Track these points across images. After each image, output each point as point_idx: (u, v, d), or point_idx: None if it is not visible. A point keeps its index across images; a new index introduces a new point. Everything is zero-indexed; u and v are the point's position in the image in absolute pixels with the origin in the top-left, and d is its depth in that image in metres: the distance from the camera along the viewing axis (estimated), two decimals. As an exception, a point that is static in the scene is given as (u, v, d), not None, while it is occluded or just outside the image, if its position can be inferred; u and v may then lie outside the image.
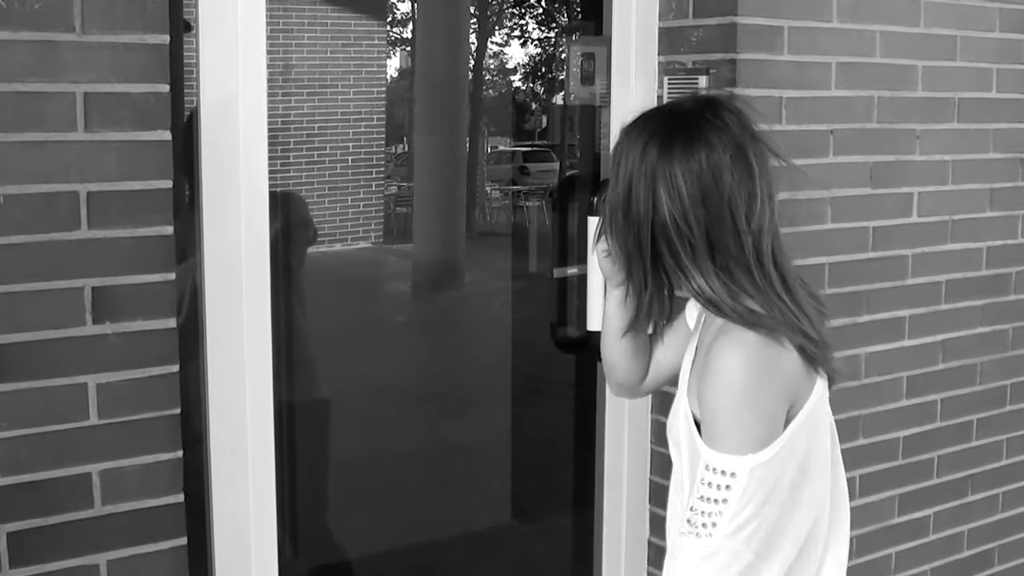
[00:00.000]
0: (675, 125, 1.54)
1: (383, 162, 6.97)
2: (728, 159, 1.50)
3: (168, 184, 1.89)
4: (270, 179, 2.13)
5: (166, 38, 1.87)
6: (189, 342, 2.12)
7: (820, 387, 1.55)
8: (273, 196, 2.19)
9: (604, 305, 1.77)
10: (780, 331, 1.49)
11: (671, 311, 1.67)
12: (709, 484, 1.45)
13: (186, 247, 2.10)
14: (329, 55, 6.42)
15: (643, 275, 1.57)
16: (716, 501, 1.44)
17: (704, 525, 1.44)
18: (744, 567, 1.44)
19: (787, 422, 1.49)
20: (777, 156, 1.58)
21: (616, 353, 1.78)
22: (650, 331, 1.77)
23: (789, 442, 1.48)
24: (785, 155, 1.61)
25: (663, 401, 2.62)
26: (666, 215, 1.50)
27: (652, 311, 1.62)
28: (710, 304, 1.52)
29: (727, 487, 1.43)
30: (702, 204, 1.50)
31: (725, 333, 1.51)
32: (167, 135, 1.88)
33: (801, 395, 1.51)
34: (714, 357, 1.49)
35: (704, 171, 1.50)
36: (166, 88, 1.88)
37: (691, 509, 1.47)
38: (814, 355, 1.51)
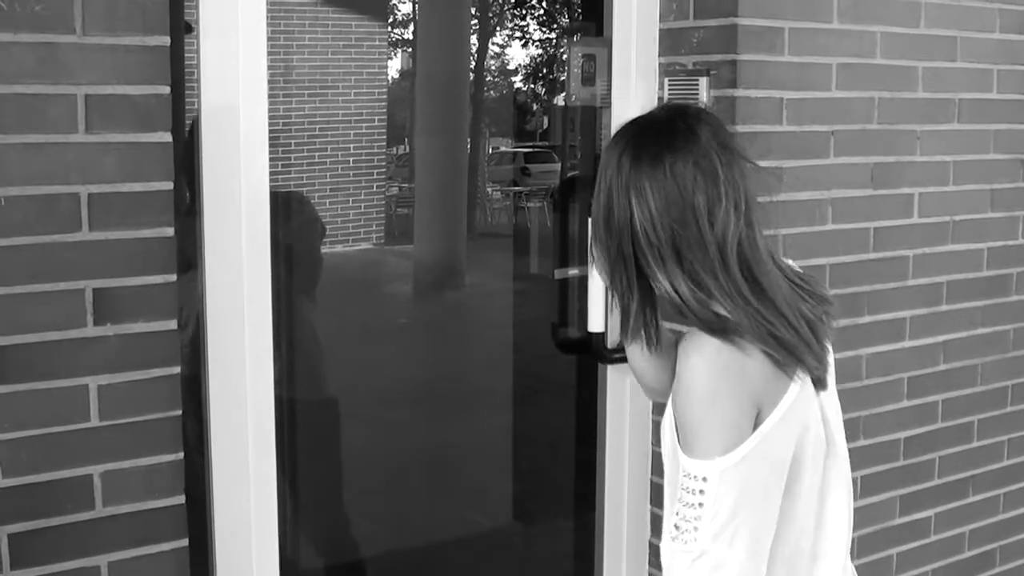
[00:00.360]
0: (646, 135, 1.56)
1: (384, 163, 6.98)
2: (691, 166, 1.52)
3: (169, 186, 1.89)
4: (271, 181, 2.13)
5: (167, 40, 1.87)
6: (193, 346, 2.12)
7: (795, 390, 1.55)
8: (275, 197, 2.19)
9: (616, 314, 1.77)
10: (743, 337, 1.50)
11: (657, 318, 1.67)
12: (688, 490, 1.47)
13: (190, 257, 2.09)
14: (330, 56, 6.42)
15: (627, 284, 1.58)
16: (695, 506, 1.46)
17: (687, 531, 1.46)
18: (738, 570, 1.45)
19: (758, 425, 1.50)
20: (750, 162, 1.59)
21: (640, 360, 1.79)
22: (634, 339, 1.77)
23: (760, 445, 1.49)
24: (755, 159, 1.62)
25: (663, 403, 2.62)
26: (638, 225, 1.52)
27: (639, 319, 1.62)
28: (677, 310, 1.54)
29: (701, 491, 1.46)
30: (668, 211, 1.51)
31: (690, 340, 1.53)
32: (168, 136, 1.88)
33: (771, 399, 1.52)
34: (679, 364, 1.52)
35: (668, 179, 1.51)
36: (167, 90, 1.88)
37: (676, 514, 1.49)
38: (783, 360, 1.52)
